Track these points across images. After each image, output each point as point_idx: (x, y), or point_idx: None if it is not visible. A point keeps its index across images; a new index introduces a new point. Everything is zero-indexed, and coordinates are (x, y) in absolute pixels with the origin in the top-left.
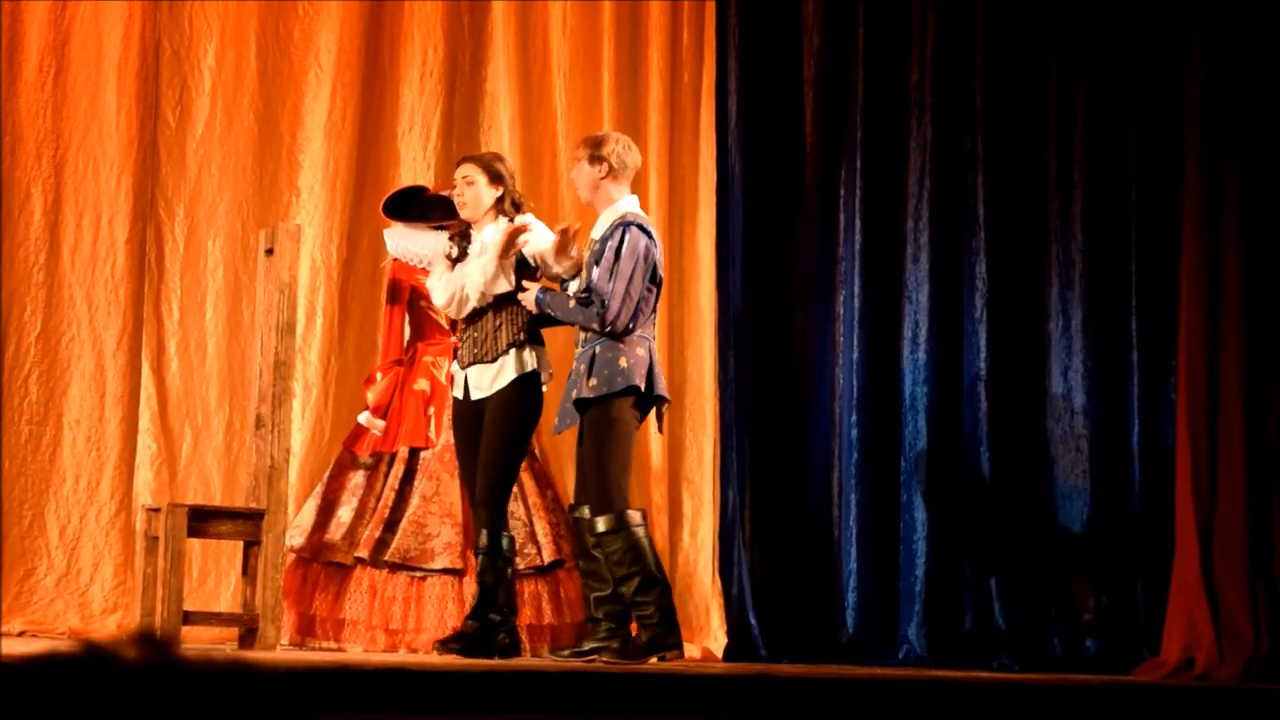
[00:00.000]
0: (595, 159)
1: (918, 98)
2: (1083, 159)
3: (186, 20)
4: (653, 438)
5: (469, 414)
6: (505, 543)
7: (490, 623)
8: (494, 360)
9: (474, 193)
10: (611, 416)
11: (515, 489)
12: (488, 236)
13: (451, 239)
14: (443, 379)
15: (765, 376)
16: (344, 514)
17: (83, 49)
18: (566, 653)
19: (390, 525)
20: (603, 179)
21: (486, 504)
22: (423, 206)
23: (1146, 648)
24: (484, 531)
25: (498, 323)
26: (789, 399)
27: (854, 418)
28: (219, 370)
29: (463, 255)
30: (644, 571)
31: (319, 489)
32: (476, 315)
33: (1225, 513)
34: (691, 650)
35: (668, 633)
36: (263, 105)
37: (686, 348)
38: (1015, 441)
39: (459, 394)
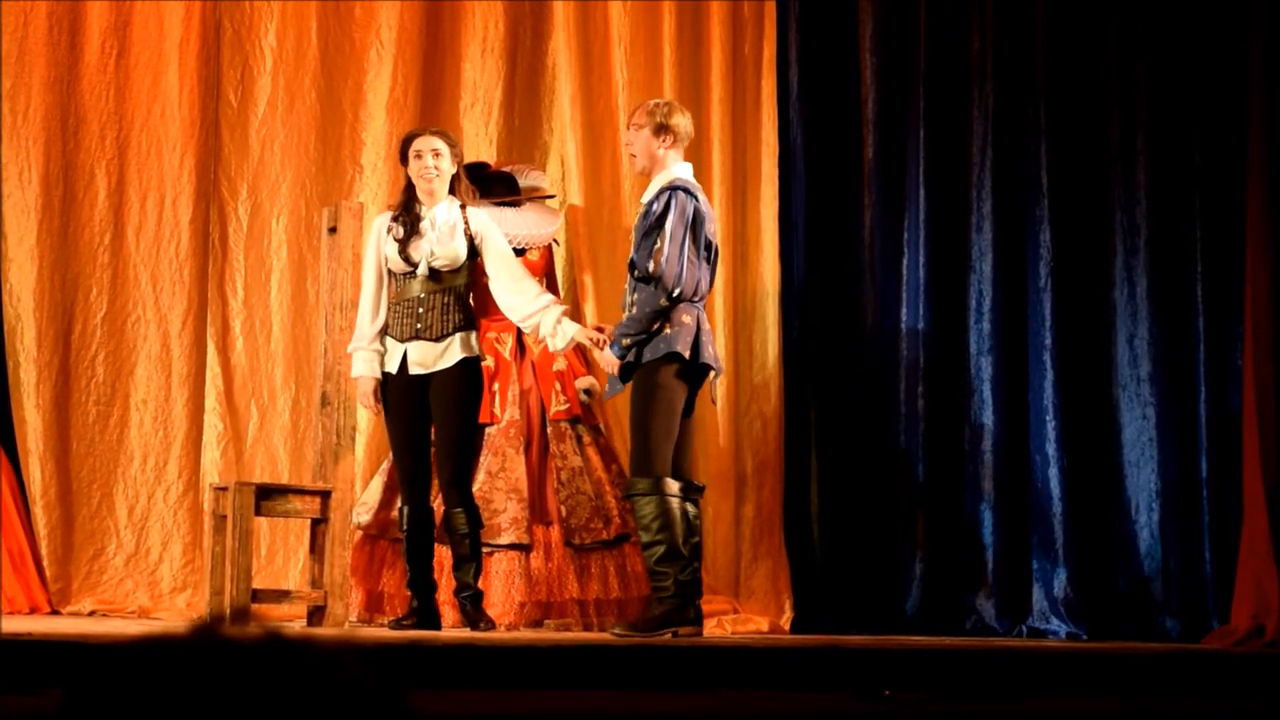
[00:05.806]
0: (662, 129)
1: (979, 66)
2: (1146, 125)
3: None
4: (720, 410)
5: (408, 389)
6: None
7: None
8: (438, 339)
9: (445, 167)
10: (654, 382)
11: (580, 464)
12: (441, 218)
13: (395, 219)
14: (506, 355)
15: (829, 348)
16: None
17: (144, 30)
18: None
19: None
20: (667, 149)
21: (460, 484)
22: (484, 183)
23: (1215, 615)
24: (464, 510)
25: (446, 301)
26: (853, 370)
27: (919, 389)
28: (284, 349)
29: (408, 238)
30: (670, 542)
31: (385, 466)
32: (421, 290)
33: None
34: (759, 622)
35: (682, 608)
36: (324, 83)
37: (750, 320)
38: (1082, 410)
39: (392, 368)
